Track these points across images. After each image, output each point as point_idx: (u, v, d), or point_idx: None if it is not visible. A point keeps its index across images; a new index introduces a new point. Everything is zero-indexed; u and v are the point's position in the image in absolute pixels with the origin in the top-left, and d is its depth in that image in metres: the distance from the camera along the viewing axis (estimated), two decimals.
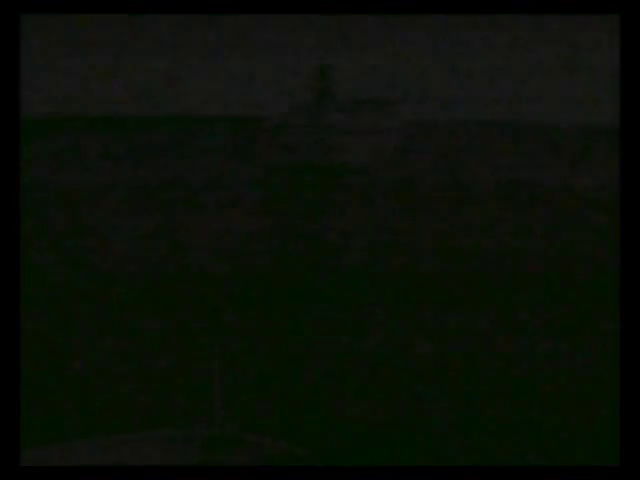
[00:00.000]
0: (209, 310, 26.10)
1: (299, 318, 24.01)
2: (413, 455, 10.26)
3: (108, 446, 10.06)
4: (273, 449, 9.36)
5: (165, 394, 17.68)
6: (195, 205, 57.15)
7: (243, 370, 18.83)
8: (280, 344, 21.69)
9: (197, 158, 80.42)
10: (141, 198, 55.97)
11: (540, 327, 21.05)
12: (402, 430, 12.36)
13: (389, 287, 27.85)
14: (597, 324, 18.59)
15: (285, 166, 71.97)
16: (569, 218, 41.27)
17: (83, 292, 27.57)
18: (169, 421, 11.93)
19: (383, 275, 30.30)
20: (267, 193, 66.62)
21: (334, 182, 72.57)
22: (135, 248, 37.82)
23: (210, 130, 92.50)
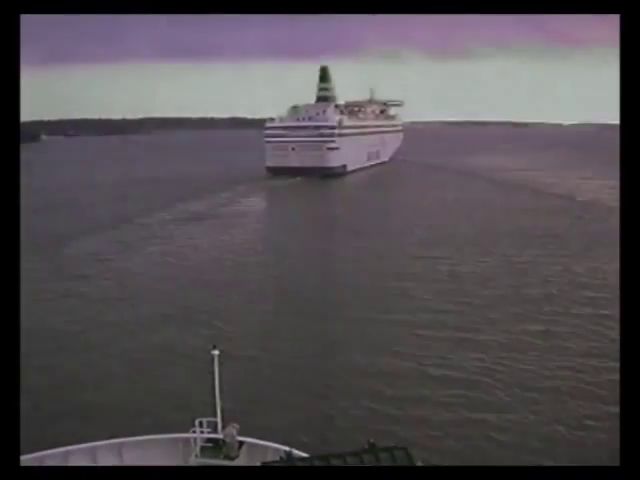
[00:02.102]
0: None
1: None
2: None
3: (110, 449, 10.00)
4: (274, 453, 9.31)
5: (166, 398, 17.65)
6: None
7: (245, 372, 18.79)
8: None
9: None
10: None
11: None
12: None
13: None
14: None
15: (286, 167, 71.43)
16: None
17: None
18: (168, 425, 11.91)
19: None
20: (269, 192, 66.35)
21: (334, 182, 72.16)
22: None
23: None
